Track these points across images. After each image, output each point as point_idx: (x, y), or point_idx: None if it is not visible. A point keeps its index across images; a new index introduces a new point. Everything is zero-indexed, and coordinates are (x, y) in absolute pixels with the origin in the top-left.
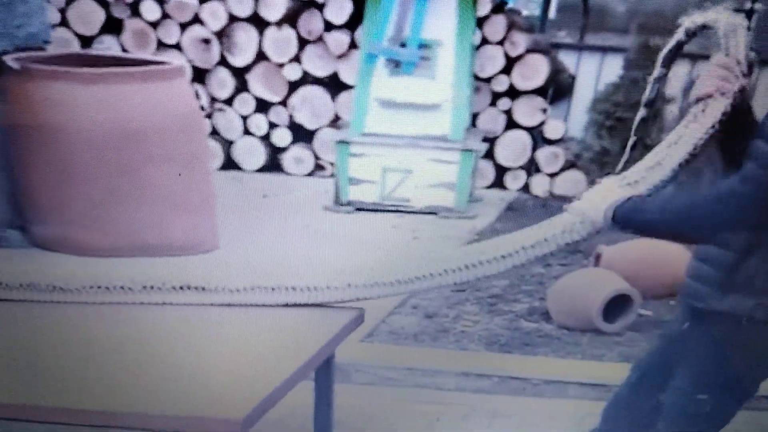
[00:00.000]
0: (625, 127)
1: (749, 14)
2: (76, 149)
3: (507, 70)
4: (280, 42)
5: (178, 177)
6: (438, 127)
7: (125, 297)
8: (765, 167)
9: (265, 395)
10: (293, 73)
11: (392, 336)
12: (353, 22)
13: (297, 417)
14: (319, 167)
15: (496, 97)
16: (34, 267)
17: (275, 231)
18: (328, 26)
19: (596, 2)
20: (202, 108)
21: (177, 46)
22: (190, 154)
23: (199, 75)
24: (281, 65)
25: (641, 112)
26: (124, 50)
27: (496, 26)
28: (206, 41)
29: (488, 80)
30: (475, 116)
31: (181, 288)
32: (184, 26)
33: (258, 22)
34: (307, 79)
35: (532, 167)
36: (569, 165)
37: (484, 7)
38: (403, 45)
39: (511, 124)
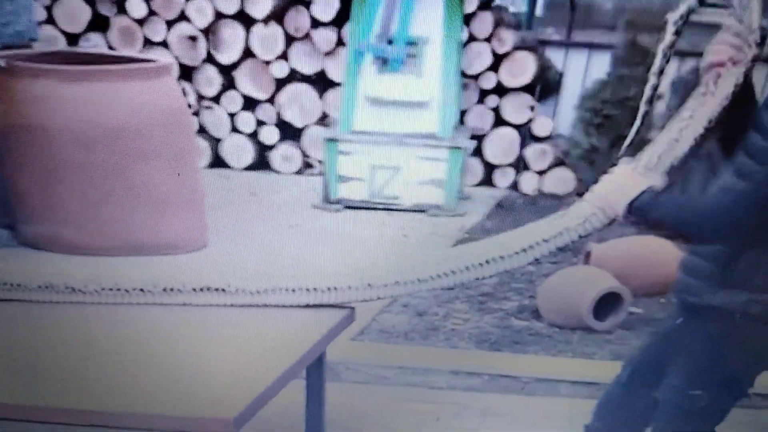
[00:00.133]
0: (613, 124)
1: None
2: (63, 147)
3: (494, 67)
4: (267, 39)
5: (167, 175)
6: (426, 124)
7: (145, 299)
8: (762, 163)
9: (256, 394)
10: (280, 70)
11: (383, 334)
12: (340, 19)
13: (289, 416)
14: (307, 165)
15: (483, 94)
16: (44, 268)
17: (266, 229)
18: (315, 23)
19: None
20: (190, 106)
21: (164, 44)
22: (179, 152)
23: (186, 72)
24: (268, 62)
25: (651, 81)
26: (110, 48)
27: (483, 23)
28: (193, 38)
29: (476, 77)
30: (463, 113)
31: (201, 290)
32: (170, 23)
33: (244, 19)
34: (294, 76)
35: (520, 165)
36: (558, 162)
37: (471, 4)
38: (390, 42)
39: (499, 121)
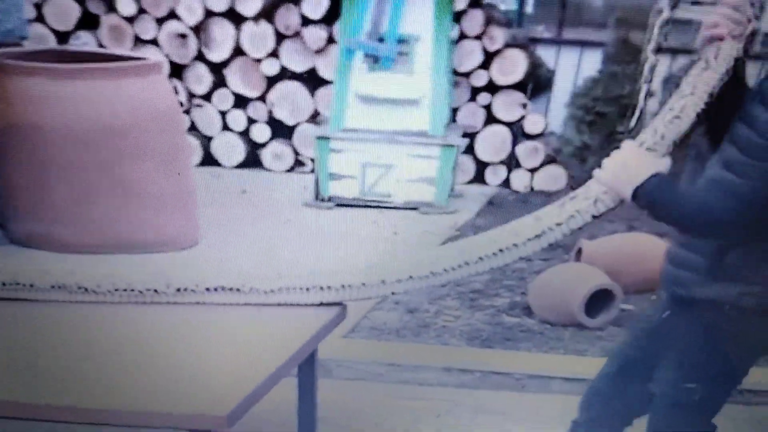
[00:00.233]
0: (605, 121)
1: None
2: (54, 145)
3: (486, 65)
4: (257, 37)
5: (158, 173)
6: (418, 122)
7: (158, 298)
8: (754, 158)
9: (249, 391)
10: (271, 68)
11: (374, 331)
12: (331, 17)
13: (281, 413)
14: (298, 163)
15: (475, 92)
16: (54, 267)
17: (258, 227)
18: (306, 21)
19: None
20: (181, 104)
21: (154, 42)
22: (170, 150)
23: (177, 70)
24: (259, 60)
25: (651, 60)
26: (100, 46)
27: (474, 21)
28: (183, 36)
29: (467, 75)
30: (454, 111)
31: (215, 290)
32: (160, 21)
33: (234, 16)
34: (285, 74)
35: (512, 162)
36: (549, 160)
37: (462, 2)
38: (381, 40)
39: (491, 119)
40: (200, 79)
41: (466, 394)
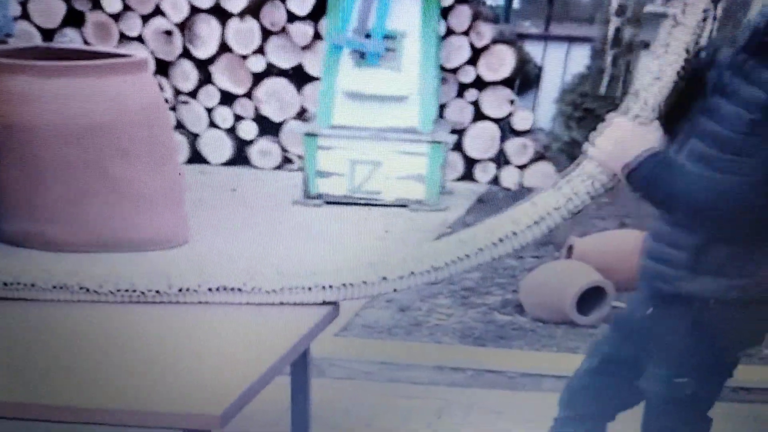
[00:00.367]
0: (593, 117)
1: None
2: (41, 143)
3: (473, 61)
4: (243, 33)
5: (146, 171)
6: (406, 118)
7: (160, 299)
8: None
9: (242, 390)
10: (257, 64)
11: (366, 330)
12: (317, 13)
13: (274, 412)
14: (286, 160)
15: (463, 88)
16: (54, 267)
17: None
18: (292, 17)
19: None
20: (167, 101)
21: (139, 39)
22: (157, 147)
23: (162, 67)
24: (245, 57)
25: (614, 22)
26: (86, 43)
27: (461, 16)
28: (168, 33)
29: (455, 71)
30: (442, 108)
31: (218, 289)
32: (145, 18)
33: (220, 13)
34: (271, 70)
35: (501, 159)
36: (538, 156)
37: None
38: (367, 36)
39: (479, 115)
40: (186, 76)
41: (459, 392)
